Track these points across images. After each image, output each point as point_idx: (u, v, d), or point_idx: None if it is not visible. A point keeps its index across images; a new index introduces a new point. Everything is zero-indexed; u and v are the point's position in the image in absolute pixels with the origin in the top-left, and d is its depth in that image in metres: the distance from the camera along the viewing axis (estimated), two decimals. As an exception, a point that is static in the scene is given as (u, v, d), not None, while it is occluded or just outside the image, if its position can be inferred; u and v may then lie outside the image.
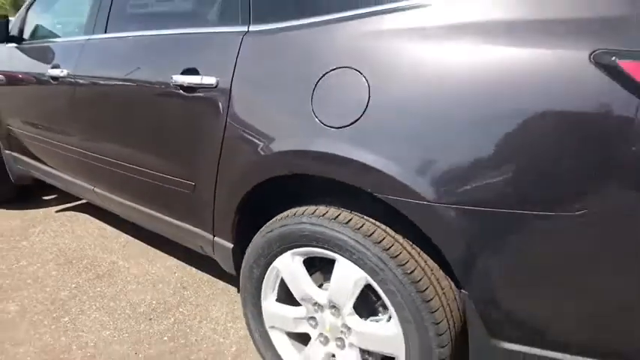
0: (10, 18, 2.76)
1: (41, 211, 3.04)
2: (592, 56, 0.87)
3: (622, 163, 0.86)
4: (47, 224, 2.83)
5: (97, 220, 2.88)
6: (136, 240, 2.62)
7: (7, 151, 2.79)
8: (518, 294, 1.02)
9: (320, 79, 1.17)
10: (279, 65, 1.30)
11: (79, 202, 3.12)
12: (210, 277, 2.25)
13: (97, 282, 2.20)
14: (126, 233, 2.70)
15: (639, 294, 0.92)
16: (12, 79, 2.57)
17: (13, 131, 2.65)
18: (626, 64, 0.85)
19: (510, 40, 0.96)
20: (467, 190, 0.98)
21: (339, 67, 1.14)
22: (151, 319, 1.93)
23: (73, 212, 3.03)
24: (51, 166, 2.50)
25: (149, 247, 2.54)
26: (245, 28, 1.39)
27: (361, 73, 1.10)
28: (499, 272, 1.01)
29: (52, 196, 3.25)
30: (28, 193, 3.17)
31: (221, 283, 2.19)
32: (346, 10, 1.17)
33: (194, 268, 2.32)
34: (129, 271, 2.30)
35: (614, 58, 0.86)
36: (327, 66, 1.16)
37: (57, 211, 3.04)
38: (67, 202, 3.14)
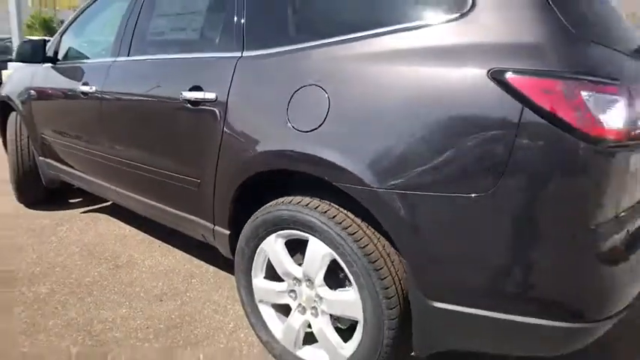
0: (44, 37, 3.14)
1: (68, 212, 3.39)
2: (489, 73, 1.16)
3: (512, 155, 1.14)
4: (73, 223, 3.18)
5: (118, 221, 3.22)
6: (152, 237, 2.94)
7: (40, 158, 3.15)
8: (444, 261, 1.29)
9: (294, 93, 1.48)
10: (264, 83, 1.62)
11: (102, 205, 3.47)
12: (215, 268, 2.55)
13: (116, 271, 2.51)
14: (143, 232, 3.02)
15: (538, 256, 1.19)
16: (47, 95, 2.94)
17: (46, 140, 3.01)
18: (512, 79, 1.14)
19: (432, 62, 1.25)
20: (399, 177, 1.26)
21: (308, 85, 1.45)
22: (161, 301, 2.23)
23: (96, 214, 3.37)
24: (79, 170, 2.84)
25: (163, 243, 2.85)
26: (239, 54, 1.72)
27: (323, 89, 1.41)
28: (427, 243, 1.28)
29: (78, 200, 3.61)
30: (56, 197, 3.52)
31: (224, 274, 2.48)
32: (314, 41, 1.49)
33: (202, 262, 2.62)
34: (144, 263, 2.61)
35: (506, 74, 1.15)
36: (299, 83, 1.47)
37: (82, 212, 3.39)
38: (91, 205, 3.49)
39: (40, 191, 3.35)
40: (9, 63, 7.32)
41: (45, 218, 3.24)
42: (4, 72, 7.03)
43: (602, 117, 1.12)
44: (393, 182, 1.27)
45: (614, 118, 1.14)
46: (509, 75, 1.14)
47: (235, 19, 1.78)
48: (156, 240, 2.90)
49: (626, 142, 1.18)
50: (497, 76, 1.15)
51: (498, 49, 1.19)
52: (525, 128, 1.12)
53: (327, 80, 1.41)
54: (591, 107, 1.11)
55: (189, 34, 2.18)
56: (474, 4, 1.26)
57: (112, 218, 3.26)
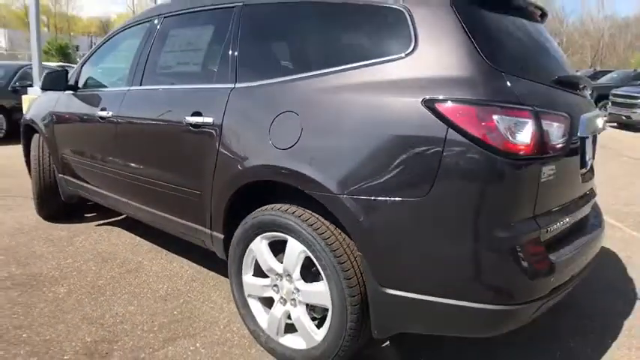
0: (62, 64, 3.49)
1: (84, 225, 3.71)
2: (423, 101, 1.47)
3: (440, 166, 1.44)
4: (88, 234, 3.50)
5: (129, 233, 3.53)
6: (159, 247, 3.24)
7: (60, 175, 3.49)
8: (391, 253, 1.57)
9: (275, 117, 1.80)
10: (252, 109, 1.94)
11: (115, 219, 3.79)
12: (214, 274, 2.83)
13: (127, 275, 2.81)
14: (151, 242, 3.33)
15: (466, 249, 1.47)
16: (68, 119, 3.29)
17: (66, 159, 3.35)
18: (439, 106, 1.45)
19: (382, 93, 1.56)
20: (355, 185, 1.56)
21: (286, 111, 1.77)
22: (165, 300, 2.52)
23: (109, 226, 3.69)
24: (95, 186, 3.17)
25: (168, 252, 3.16)
26: (232, 85, 2.06)
27: (297, 115, 1.72)
28: (377, 238, 1.57)
29: (93, 214, 3.93)
30: (73, 211, 3.85)
31: (222, 278, 2.77)
32: (290, 75, 1.83)
33: (203, 267, 2.91)
34: (151, 268, 2.91)
35: (435, 102, 1.45)
36: (279, 110, 1.80)
37: (96, 225, 3.71)
38: (105, 219, 3.81)
39: (59, 206, 3.67)
40: (29, 88, 7.75)
41: (63, 230, 3.57)
42: (24, 97, 7.45)
43: (511, 135, 1.42)
44: (350, 189, 1.57)
45: (522, 136, 1.43)
46: (436, 103, 1.45)
47: (229, 56, 2.12)
48: (163, 249, 3.21)
49: (536, 155, 1.47)
50: (428, 104, 1.46)
51: (431, 81, 1.50)
52: (450, 145, 1.42)
53: (300, 107, 1.73)
54: (501, 127, 1.41)
55: (192, 68, 2.54)
56: (416, 46, 1.57)
57: (124, 230, 3.58)
